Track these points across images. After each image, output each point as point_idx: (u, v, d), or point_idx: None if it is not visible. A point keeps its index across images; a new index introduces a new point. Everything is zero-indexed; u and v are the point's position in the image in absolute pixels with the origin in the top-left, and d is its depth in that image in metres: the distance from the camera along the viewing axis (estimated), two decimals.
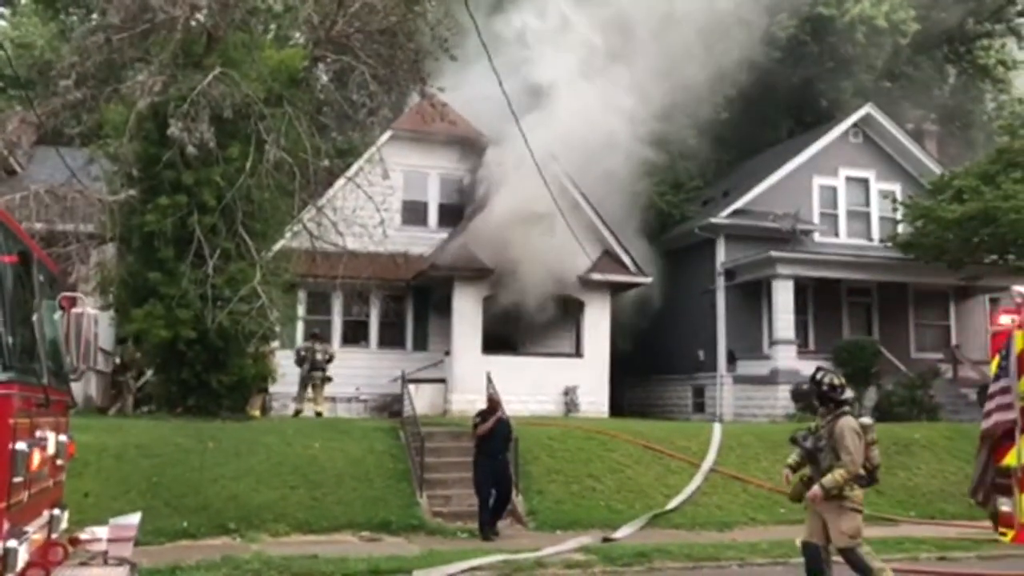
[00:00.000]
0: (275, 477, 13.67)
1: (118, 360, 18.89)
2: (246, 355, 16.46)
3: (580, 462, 15.31)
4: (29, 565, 5.10)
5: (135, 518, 6.84)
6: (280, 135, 15.92)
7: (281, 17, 19.61)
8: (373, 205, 19.06)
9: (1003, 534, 8.70)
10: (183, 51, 15.60)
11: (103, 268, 16.18)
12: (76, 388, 20.94)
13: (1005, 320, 8.74)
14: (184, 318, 15.34)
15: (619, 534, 13.04)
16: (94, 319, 7.21)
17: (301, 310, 22.90)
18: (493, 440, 13.54)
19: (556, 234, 22.24)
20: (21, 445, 4.75)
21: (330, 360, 20.31)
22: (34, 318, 5.56)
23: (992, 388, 8.85)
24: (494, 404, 14.08)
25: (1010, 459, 8.54)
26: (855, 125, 27.39)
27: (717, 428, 17.55)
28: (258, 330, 15.19)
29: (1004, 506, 8.58)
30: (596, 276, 22.51)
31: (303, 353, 20.10)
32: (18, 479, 4.76)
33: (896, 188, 26.99)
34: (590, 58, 22.69)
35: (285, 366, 22.11)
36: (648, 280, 23.58)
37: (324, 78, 19.09)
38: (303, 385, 20.14)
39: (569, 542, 12.23)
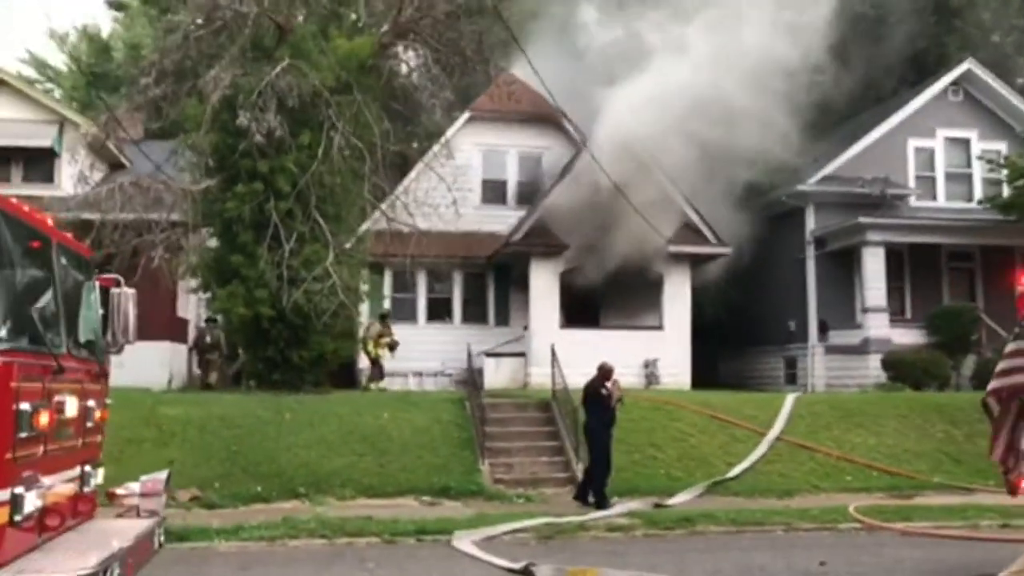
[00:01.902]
0: (344, 445, 14.44)
1: (208, 339, 20.15)
2: (325, 332, 17.23)
3: (643, 431, 15.50)
4: (47, 511, 5.80)
5: (163, 474, 7.53)
6: (348, 122, 16.57)
7: (351, 5, 20.24)
8: (447, 186, 19.53)
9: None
10: (254, 45, 16.45)
11: (192, 253, 17.29)
12: (178, 366, 22.24)
13: None
14: (262, 297, 16.29)
15: (673, 500, 13.22)
16: (132, 298, 7.97)
17: (387, 289, 23.70)
18: (611, 410, 13.59)
19: (633, 207, 22.36)
20: (25, 406, 5.41)
21: (392, 347, 21.07)
22: (48, 296, 6.23)
23: (1008, 348, 8.63)
24: (608, 373, 14.00)
25: None
26: (954, 83, 26.14)
27: (790, 397, 17.39)
28: (329, 308, 15.93)
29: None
30: (674, 248, 22.43)
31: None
32: (24, 435, 5.41)
33: (1002, 147, 25.69)
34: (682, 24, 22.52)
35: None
36: (728, 251, 23.31)
37: (407, 66, 19.61)
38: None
39: (618, 507, 12.50)
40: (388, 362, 23.44)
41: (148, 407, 14.92)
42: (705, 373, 26.39)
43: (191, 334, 22.77)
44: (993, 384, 8.95)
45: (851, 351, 23.81)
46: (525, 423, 16.14)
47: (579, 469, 14.62)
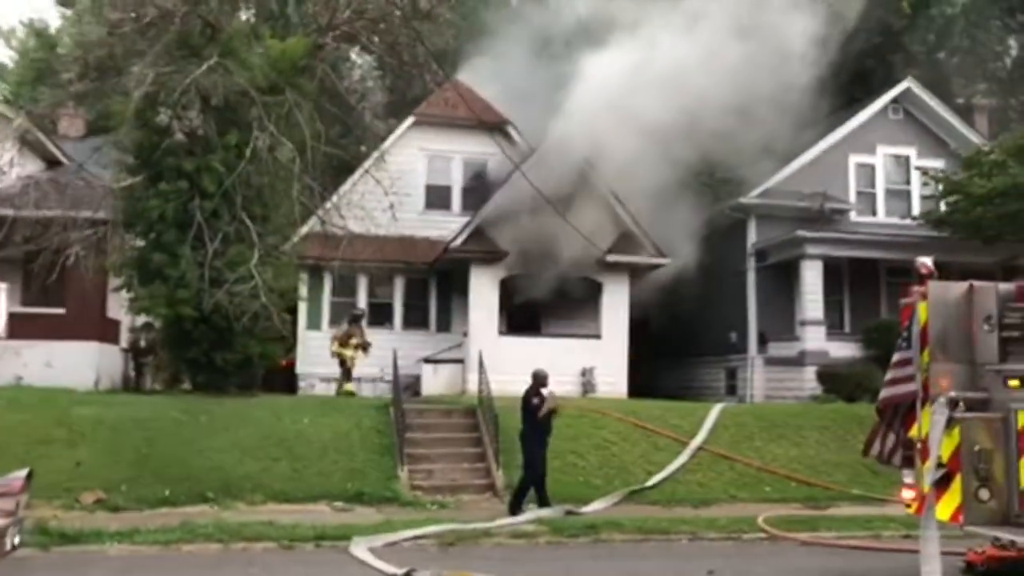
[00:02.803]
0: (260, 450, 14.25)
1: (143, 343, 19.83)
2: (250, 335, 17.01)
3: (566, 439, 15.40)
4: None
5: (21, 474, 7.35)
6: (279, 122, 16.42)
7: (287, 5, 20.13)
8: (384, 190, 19.41)
9: (908, 506, 8.58)
10: (183, 43, 16.26)
11: (114, 252, 17.01)
12: (108, 367, 21.73)
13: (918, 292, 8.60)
14: (184, 298, 16.06)
15: (587, 509, 13.17)
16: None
17: (327, 292, 23.52)
18: (548, 418, 13.45)
19: (572, 216, 22.40)
20: None
21: (364, 348, 20.85)
22: None
23: (894, 358, 8.72)
24: (543, 381, 13.91)
25: (913, 431, 8.41)
26: (895, 100, 26.53)
27: (716, 408, 17.45)
28: (252, 310, 15.73)
29: (907, 478, 8.47)
30: (613, 258, 22.49)
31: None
32: None
33: (939, 165, 26.03)
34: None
35: (311, 347, 23.00)
36: (666, 261, 23.39)
37: (345, 69, 19.47)
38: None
39: (527, 514, 12.43)
40: (326, 367, 23.32)
41: (62, 408, 14.64)
42: (647, 383, 26.47)
43: (124, 335, 22.41)
44: (884, 393, 9.08)
45: (789, 363, 23.98)
46: (449, 429, 16.05)
47: (499, 476, 14.55)
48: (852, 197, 26.02)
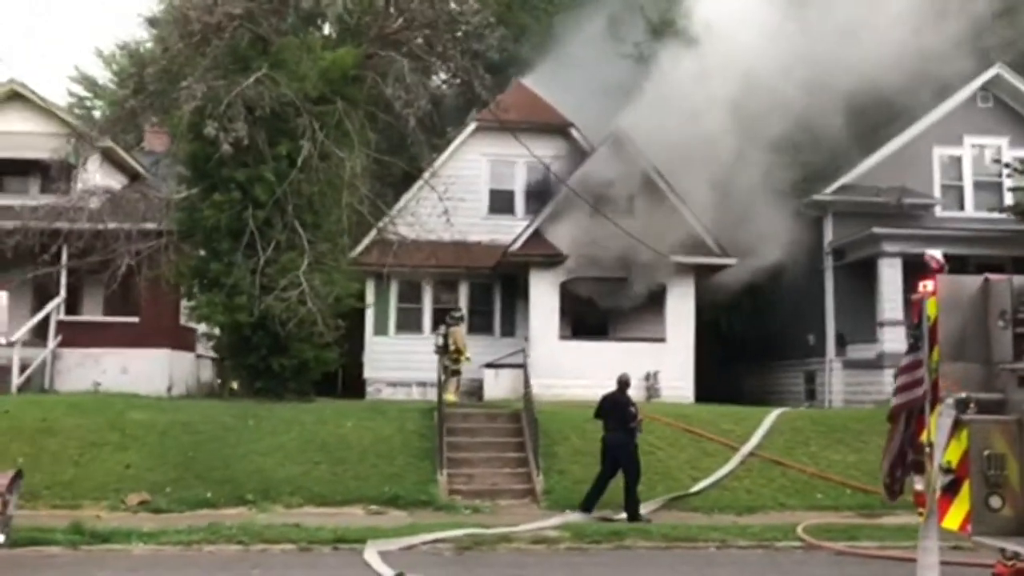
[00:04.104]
0: (301, 453, 14.48)
1: None
2: (307, 340, 17.32)
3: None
4: None
5: (10, 473, 7.63)
6: (327, 132, 16.70)
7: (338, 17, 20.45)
8: (438, 196, 19.52)
9: (920, 513, 8.01)
10: (235, 56, 16.72)
11: (174, 262, 17.62)
12: (181, 373, 22.38)
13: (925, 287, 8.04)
14: (240, 304, 16.49)
15: (621, 515, 12.88)
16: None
17: (393, 299, 23.80)
18: (637, 425, 13.49)
19: (635, 218, 22.08)
20: None
21: (444, 349, 19.53)
22: None
23: (904, 361, 8.17)
24: (628, 384, 13.99)
25: (924, 435, 7.86)
26: (983, 88, 25.15)
27: (774, 412, 16.86)
28: (307, 315, 16.01)
29: (918, 484, 7.92)
30: (677, 259, 21.99)
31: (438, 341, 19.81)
32: None
33: None
34: None
35: (377, 352, 23.33)
36: (732, 262, 22.71)
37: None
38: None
39: (554, 519, 12.25)
40: (393, 372, 23.61)
41: (117, 412, 15.22)
42: (724, 388, 25.78)
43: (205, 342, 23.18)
44: (896, 400, 8.56)
45: (868, 366, 23.00)
46: (493, 434, 15.98)
47: (539, 481, 14.39)
48: (937, 191, 24.81)
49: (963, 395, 7.50)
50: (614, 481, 13.82)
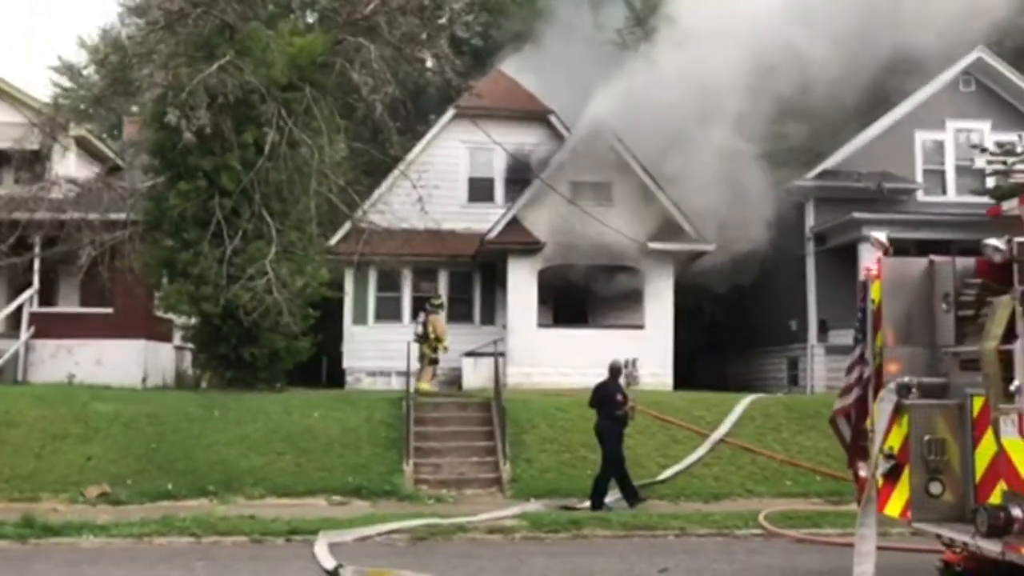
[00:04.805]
0: (266, 444, 14.35)
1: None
2: (276, 330, 17.17)
3: (578, 431, 14.99)
4: None
5: None
6: (293, 119, 16.51)
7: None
8: (412, 183, 19.35)
9: (858, 500, 7.89)
10: (200, 44, 16.51)
11: (141, 252, 17.45)
12: (157, 364, 22.21)
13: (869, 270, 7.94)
14: (206, 295, 16.33)
15: (585, 503, 12.77)
16: None
17: (372, 288, 23.66)
18: (627, 414, 13.39)
19: (613, 205, 21.95)
20: None
21: (424, 337, 19.07)
22: None
23: (851, 358, 8.08)
24: (620, 372, 13.91)
25: (868, 422, 7.75)
26: (965, 72, 24.93)
27: (746, 399, 16.73)
28: (266, 304, 15.86)
29: (862, 471, 7.80)
30: (655, 245, 21.82)
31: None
32: None
33: (1016, 139, 24.35)
34: None
35: (356, 341, 23.19)
36: (711, 248, 22.49)
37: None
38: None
39: (512, 508, 12.14)
40: (372, 362, 23.45)
41: (81, 403, 15.06)
42: (706, 375, 25.68)
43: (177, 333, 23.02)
44: (837, 404, 8.51)
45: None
46: (463, 423, 15.85)
47: (506, 470, 14.27)
48: (919, 176, 24.64)
49: (905, 380, 7.39)
50: (577, 467, 13.81)
